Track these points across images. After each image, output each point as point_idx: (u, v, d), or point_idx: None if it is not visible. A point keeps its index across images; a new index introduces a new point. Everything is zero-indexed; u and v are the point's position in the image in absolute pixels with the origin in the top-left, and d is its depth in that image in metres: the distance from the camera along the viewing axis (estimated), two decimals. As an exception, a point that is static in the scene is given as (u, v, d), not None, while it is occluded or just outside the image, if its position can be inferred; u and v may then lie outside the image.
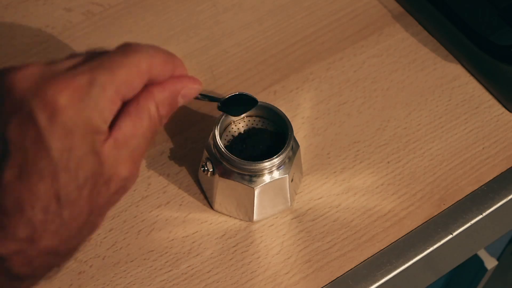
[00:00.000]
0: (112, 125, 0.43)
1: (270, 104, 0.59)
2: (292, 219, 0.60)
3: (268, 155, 0.56)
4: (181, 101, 0.47)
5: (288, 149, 0.57)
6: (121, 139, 0.43)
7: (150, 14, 0.72)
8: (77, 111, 0.40)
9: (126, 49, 0.44)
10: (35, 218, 0.40)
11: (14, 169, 0.40)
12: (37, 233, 0.41)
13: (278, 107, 0.59)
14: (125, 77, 0.43)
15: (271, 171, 0.57)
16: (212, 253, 0.59)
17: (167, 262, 0.58)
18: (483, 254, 0.86)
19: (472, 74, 0.69)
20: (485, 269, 0.86)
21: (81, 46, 0.70)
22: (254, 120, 0.60)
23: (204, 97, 0.53)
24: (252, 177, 0.57)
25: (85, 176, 0.41)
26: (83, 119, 0.41)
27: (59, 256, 0.43)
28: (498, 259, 0.86)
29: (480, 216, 0.61)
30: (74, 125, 0.40)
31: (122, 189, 0.44)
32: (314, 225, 0.60)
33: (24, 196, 0.40)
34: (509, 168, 0.64)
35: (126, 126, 0.43)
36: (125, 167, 0.44)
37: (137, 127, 0.44)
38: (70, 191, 0.41)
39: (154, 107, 0.45)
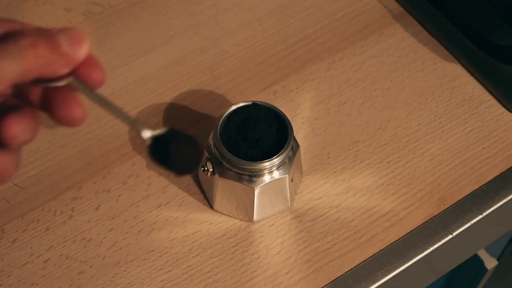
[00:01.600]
0: None
1: (270, 104, 0.59)
2: (292, 219, 0.60)
3: (268, 155, 0.56)
4: (61, 35, 0.41)
5: (288, 149, 0.57)
6: None
7: (150, 14, 0.72)
8: None
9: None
10: None
11: None
12: None
13: (278, 107, 0.59)
14: None
15: (271, 171, 0.57)
16: (212, 253, 0.59)
17: (167, 262, 0.58)
18: (483, 254, 0.86)
19: (472, 74, 0.69)
20: (485, 269, 0.86)
21: (81, 46, 0.70)
22: (254, 120, 0.60)
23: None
24: (252, 177, 0.57)
25: None
26: None
27: None
28: (498, 259, 0.86)
29: (480, 216, 0.61)
30: None
31: None
32: (314, 225, 0.60)
33: None
34: (509, 168, 0.64)
35: None
36: None
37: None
38: None
39: (20, 33, 0.40)
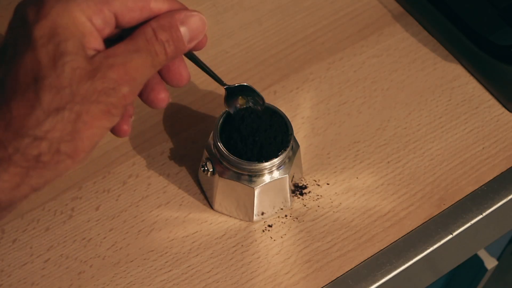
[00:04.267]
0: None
1: (270, 104, 0.59)
2: (292, 219, 0.60)
3: (268, 155, 0.56)
4: (185, 32, 0.46)
5: (288, 149, 0.57)
6: (112, 52, 0.44)
7: (150, 14, 0.72)
8: (60, 4, 0.43)
9: None
10: (13, 104, 0.42)
11: (4, 66, 0.43)
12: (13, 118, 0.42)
13: (278, 107, 0.59)
14: None
15: (271, 171, 0.57)
16: (212, 253, 0.59)
17: (167, 262, 0.58)
18: (483, 254, 0.86)
19: (472, 74, 0.69)
20: (485, 269, 0.86)
21: (81, 46, 0.70)
22: (254, 120, 0.60)
23: (205, 68, 0.54)
24: (252, 177, 0.57)
25: (64, 61, 0.42)
26: (66, 13, 0.43)
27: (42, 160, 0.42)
28: (498, 259, 0.86)
29: (480, 216, 0.61)
30: (57, 16, 0.42)
31: (112, 91, 0.43)
32: (314, 225, 0.60)
33: (7, 83, 0.42)
34: (509, 168, 0.64)
35: (119, 46, 0.44)
36: (115, 70, 0.43)
37: (130, 44, 0.44)
38: (48, 73, 0.42)
39: (150, 30, 0.45)
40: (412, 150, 0.65)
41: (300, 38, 0.71)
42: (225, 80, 0.69)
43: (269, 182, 0.57)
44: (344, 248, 0.59)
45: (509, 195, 0.63)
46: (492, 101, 0.68)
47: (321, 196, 0.62)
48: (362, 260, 0.59)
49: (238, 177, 0.57)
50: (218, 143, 0.56)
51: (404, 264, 0.59)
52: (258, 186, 0.57)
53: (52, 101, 0.42)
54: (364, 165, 0.63)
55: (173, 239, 0.59)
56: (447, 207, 0.62)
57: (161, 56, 0.46)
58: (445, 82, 0.69)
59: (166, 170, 0.63)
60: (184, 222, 0.60)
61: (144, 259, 0.58)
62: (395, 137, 0.65)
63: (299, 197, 0.61)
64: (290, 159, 0.58)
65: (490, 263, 0.85)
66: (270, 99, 0.67)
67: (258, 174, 0.57)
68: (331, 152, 0.64)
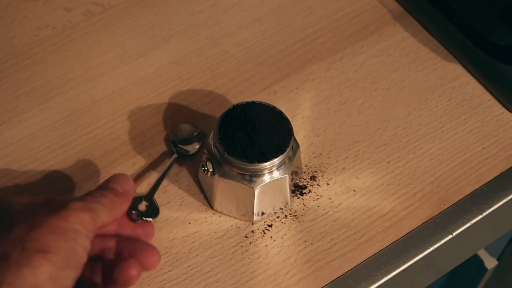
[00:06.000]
0: None
1: (270, 104, 0.59)
2: (292, 219, 0.60)
3: (268, 155, 0.56)
4: (115, 186, 0.53)
5: (288, 149, 0.57)
6: None
7: (150, 14, 0.72)
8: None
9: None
10: None
11: None
12: None
13: (278, 107, 0.59)
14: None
15: (271, 171, 0.57)
16: (212, 253, 0.59)
17: (167, 262, 0.58)
18: (483, 254, 0.86)
19: (472, 74, 0.69)
20: (485, 269, 0.86)
21: (81, 46, 0.70)
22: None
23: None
24: (252, 177, 0.57)
25: None
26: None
27: None
28: (498, 259, 0.86)
29: (480, 216, 0.62)
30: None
31: None
32: (314, 225, 0.60)
33: None
34: (509, 168, 0.64)
35: None
36: None
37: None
38: None
39: None
40: (412, 150, 0.65)
41: (300, 38, 0.71)
42: (224, 80, 0.69)
43: (269, 182, 0.57)
44: (344, 248, 0.59)
45: (509, 195, 0.63)
46: (492, 101, 0.68)
47: (321, 196, 0.62)
48: (362, 260, 0.59)
49: (238, 177, 0.57)
50: (218, 143, 0.56)
51: (404, 264, 0.59)
52: (258, 186, 0.57)
53: None
54: (364, 165, 0.63)
55: (173, 239, 0.59)
56: (447, 207, 0.62)
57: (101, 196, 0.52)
58: (445, 82, 0.69)
59: (166, 170, 0.63)
60: (184, 222, 0.60)
61: (144, 259, 0.58)
62: (395, 137, 0.65)
63: (299, 197, 0.61)
64: (290, 159, 0.58)
65: (490, 263, 0.86)
66: (270, 99, 0.67)
67: (258, 174, 0.57)
68: (331, 152, 0.64)
